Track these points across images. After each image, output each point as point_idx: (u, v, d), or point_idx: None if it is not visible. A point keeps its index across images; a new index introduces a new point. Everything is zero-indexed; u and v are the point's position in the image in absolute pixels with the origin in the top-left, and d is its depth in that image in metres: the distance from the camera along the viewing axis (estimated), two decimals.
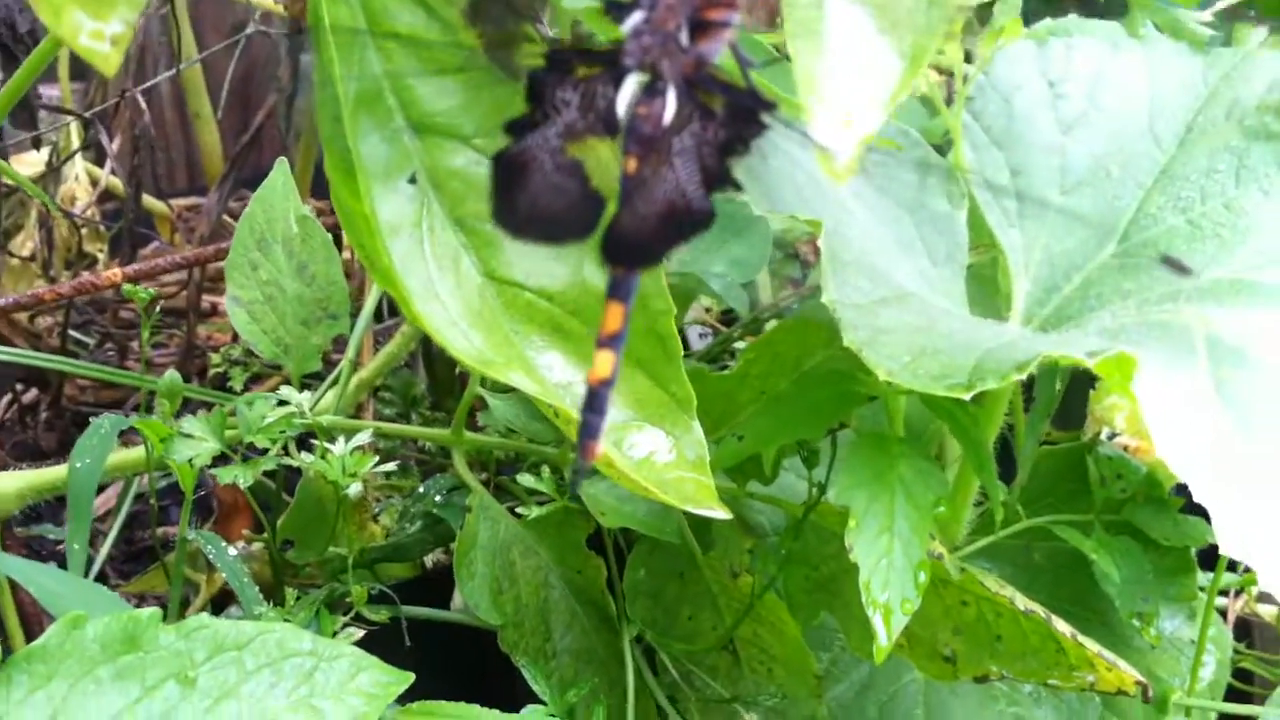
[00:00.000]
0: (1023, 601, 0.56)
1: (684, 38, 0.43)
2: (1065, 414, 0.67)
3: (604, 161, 0.46)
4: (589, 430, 0.46)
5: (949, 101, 0.64)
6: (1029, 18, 0.63)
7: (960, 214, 0.61)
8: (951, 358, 0.49)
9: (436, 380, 0.93)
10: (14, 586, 0.73)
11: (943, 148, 0.67)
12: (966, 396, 0.47)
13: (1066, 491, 0.65)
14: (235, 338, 1.09)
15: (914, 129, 0.63)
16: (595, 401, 0.46)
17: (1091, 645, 0.56)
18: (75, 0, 0.43)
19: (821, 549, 0.62)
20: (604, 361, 0.45)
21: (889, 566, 0.51)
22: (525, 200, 0.46)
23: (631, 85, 0.44)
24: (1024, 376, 0.47)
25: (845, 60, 0.42)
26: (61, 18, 0.43)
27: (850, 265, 0.54)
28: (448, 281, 0.53)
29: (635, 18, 0.44)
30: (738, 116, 0.44)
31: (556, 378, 0.54)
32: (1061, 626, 0.56)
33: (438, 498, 0.76)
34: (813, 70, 0.42)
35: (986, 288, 0.64)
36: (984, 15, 0.65)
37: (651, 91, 0.44)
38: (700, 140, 0.44)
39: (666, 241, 0.45)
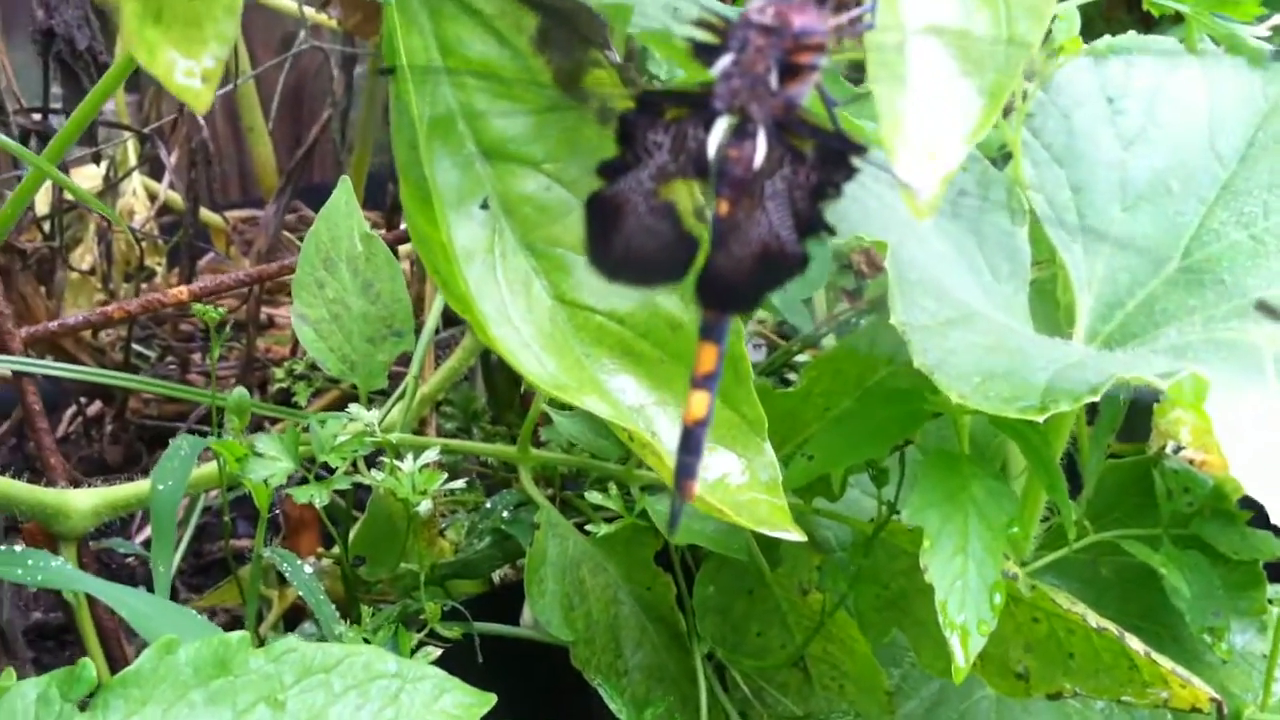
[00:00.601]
0: (1095, 619, 0.57)
1: (773, 81, 0.43)
2: (1129, 427, 0.67)
3: (697, 204, 0.46)
4: (686, 470, 0.46)
5: (1005, 114, 0.65)
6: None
7: (1021, 231, 0.62)
8: (1022, 379, 0.50)
9: (496, 394, 0.94)
10: (91, 601, 0.75)
11: (998, 161, 0.68)
12: (1040, 419, 0.48)
13: (1132, 506, 0.65)
14: (294, 350, 1.11)
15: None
16: (691, 442, 0.46)
17: (1165, 662, 0.56)
18: (169, 39, 0.44)
19: (890, 566, 0.63)
20: (699, 402, 0.46)
21: (964, 588, 0.52)
22: (620, 242, 0.46)
23: (721, 128, 0.44)
24: (1097, 399, 0.48)
25: (927, 101, 0.43)
26: (156, 56, 0.44)
27: (916, 286, 0.55)
28: (520, 305, 0.54)
29: (724, 61, 0.44)
30: (828, 160, 0.44)
31: (629, 401, 0.54)
32: (1135, 644, 0.56)
33: (505, 514, 0.77)
34: (896, 111, 0.42)
35: (1046, 303, 0.64)
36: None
37: (741, 134, 0.44)
38: (792, 184, 0.44)
39: (760, 285, 0.46)
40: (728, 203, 0.44)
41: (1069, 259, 0.62)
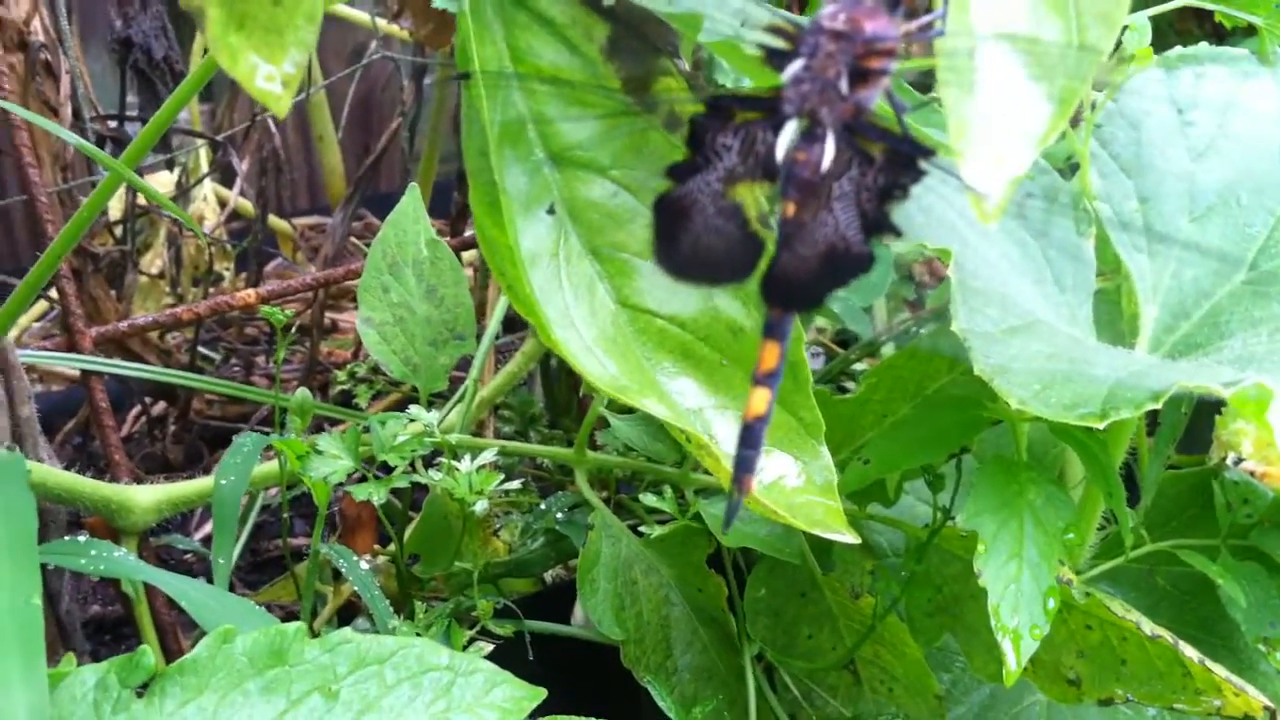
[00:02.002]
0: (1149, 626, 0.56)
1: (844, 85, 0.44)
2: (1188, 438, 0.66)
3: (763, 205, 0.47)
4: (744, 465, 0.47)
5: (1073, 124, 0.64)
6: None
7: (1087, 241, 0.61)
8: (1084, 386, 0.50)
9: (553, 399, 0.94)
10: (149, 594, 0.76)
11: (1064, 171, 0.67)
12: (1100, 426, 0.48)
13: (1190, 516, 0.65)
14: (356, 354, 1.12)
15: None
16: (751, 437, 0.47)
17: (1219, 670, 0.56)
18: (251, 45, 0.45)
19: (943, 571, 0.63)
20: (760, 399, 0.46)
21: (1018, 593, 0.52)
22: (687, 242, 0.47)
23: (790, 131, 0.45)
24: (1158, 406, 0.47)
25: (996, 105, 0.42)
26: (238, 61, 0.45)
27: (980, 294, 0.55)
28: (583, 309, 0.55)
29: (795, 65, 0.44)
30: (897, 162, 0.45)
31: (688, 403, 0.55)
32: (1189, 651, 0.56)
33: (559, 515, 0.77)
34: (964, 116, 0.42)
35: (1110, 313, 0.64)
36: None
37: (810, 137, 0.44)
38: (859, 186, 0.45)
39: (825, 284, 0.46)
40: (794, 204, 0.45)
41: (1135, 269, 0.62)
